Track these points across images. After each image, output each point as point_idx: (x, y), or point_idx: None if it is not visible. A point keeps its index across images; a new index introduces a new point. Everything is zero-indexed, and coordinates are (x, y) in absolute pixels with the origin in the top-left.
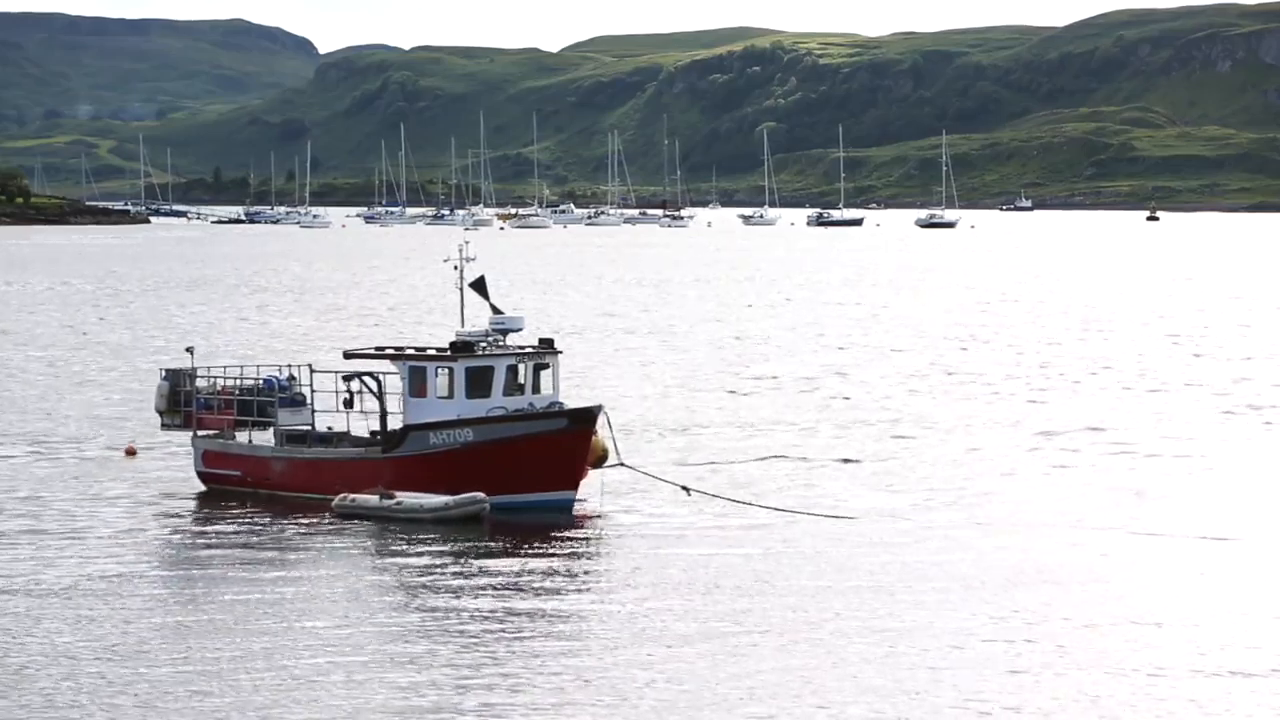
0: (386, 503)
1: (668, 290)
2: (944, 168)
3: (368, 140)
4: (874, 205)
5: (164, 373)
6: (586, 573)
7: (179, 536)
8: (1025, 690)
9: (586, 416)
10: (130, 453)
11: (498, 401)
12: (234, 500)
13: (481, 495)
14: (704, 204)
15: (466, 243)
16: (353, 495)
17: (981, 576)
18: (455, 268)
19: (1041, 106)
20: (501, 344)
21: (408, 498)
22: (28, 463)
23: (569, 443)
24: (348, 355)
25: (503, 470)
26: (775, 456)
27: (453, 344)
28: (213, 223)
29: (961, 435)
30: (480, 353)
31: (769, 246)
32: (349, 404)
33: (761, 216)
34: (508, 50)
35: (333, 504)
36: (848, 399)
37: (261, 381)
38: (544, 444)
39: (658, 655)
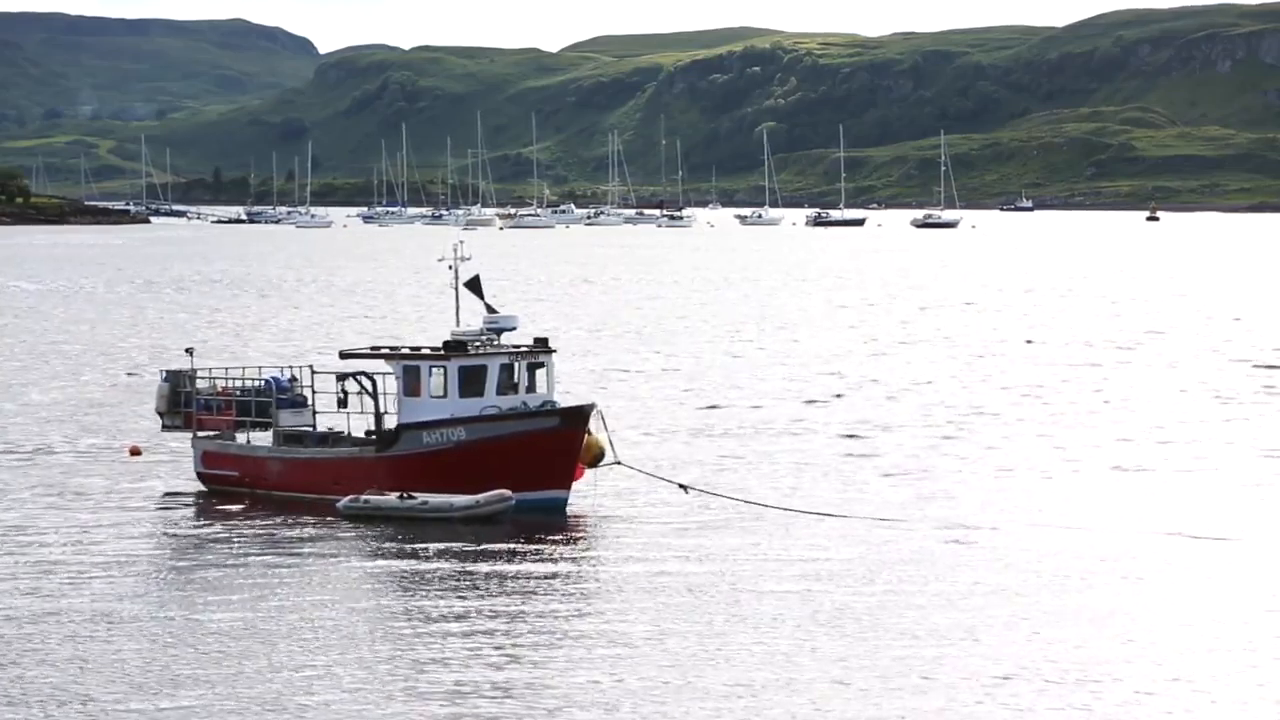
0: (410, 503)
1: (666, 290)
2: (943, 168)
3: (368, 140)
4: (874, 205)
5: (164, 374)
6: (584, 571)
7: (176, 536)
8: (1023, 694)
9: (579, 415)
10: (135, 452)
11: (491, 401)
12: (232, 500)
13: (508, 492)
14: (704, 204)
15: (461, 242)
16: (365, 495)
17: (985, 576)
18: (450, 267)
19: (1041, 106)
20: (495, 343)
21: (433, 497)
22: (29, 462)
23: (561, 442)
24: (343, 355)
25: (496, 469)
26: (775, 456)
27: (446, 343)
28: (213, 223)
29: (961, 435)
30: (474, 352)
31: (762, 249)
32: (343, 403)
33: (760, 217)
34: (508, 50)
35: (339, 505)
36: (847, 398)
37: (263, 382)
38: (537, 443)
39: (657, 653)
